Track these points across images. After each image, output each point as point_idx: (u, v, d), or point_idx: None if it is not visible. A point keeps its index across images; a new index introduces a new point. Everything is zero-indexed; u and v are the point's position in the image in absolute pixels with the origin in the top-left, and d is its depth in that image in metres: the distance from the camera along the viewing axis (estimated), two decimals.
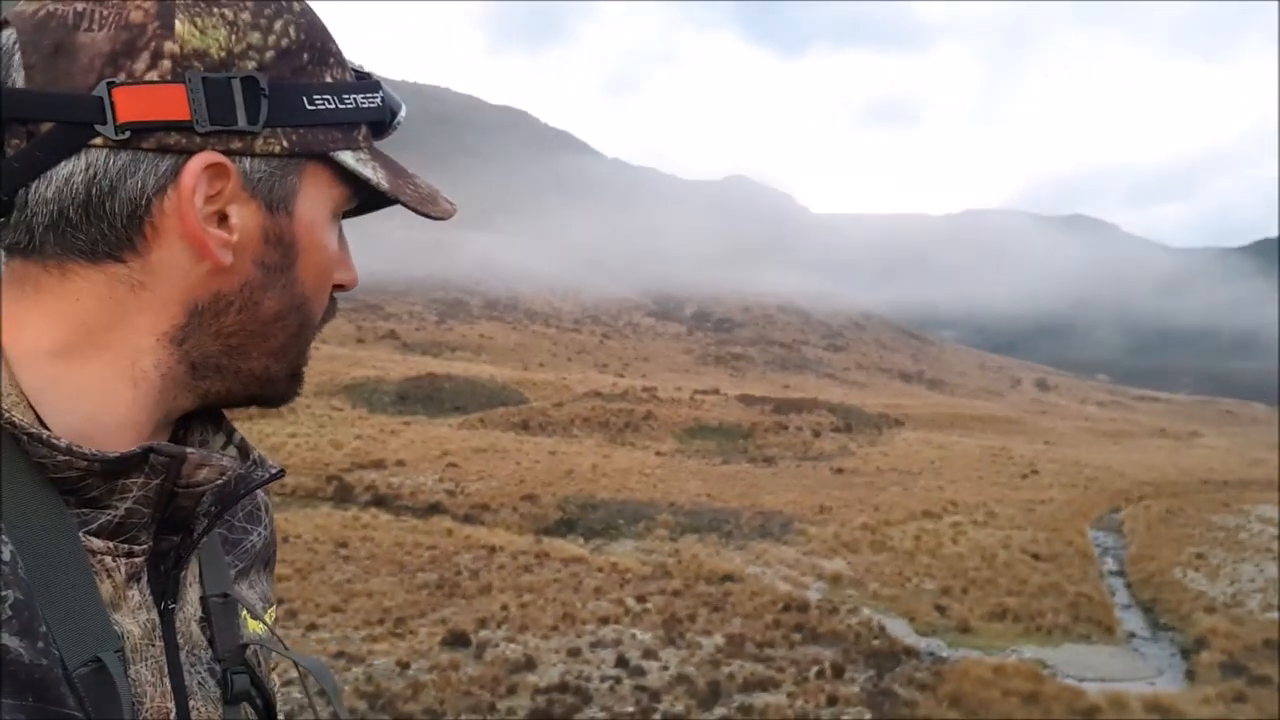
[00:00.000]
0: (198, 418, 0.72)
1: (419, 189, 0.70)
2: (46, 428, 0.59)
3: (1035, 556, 23.85)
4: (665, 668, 13.90)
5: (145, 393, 0.63)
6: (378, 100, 0.68)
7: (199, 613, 0.69)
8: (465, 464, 31.47)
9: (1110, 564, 24.78)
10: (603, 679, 13.35)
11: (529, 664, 13.81)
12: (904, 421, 56.99)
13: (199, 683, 0.66)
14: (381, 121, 0.68)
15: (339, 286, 0.70)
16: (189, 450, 0.62)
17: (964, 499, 31.90)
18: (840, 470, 37.67)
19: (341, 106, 0.65)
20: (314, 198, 0.66)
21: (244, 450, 0.72)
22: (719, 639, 15.29)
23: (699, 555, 21.24)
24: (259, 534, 0.80)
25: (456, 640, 14.55)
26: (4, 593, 0.54)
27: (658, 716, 12.19)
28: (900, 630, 17.01)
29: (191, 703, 0.65)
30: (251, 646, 0.72)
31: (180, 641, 0.66)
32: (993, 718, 12.79)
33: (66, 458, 0.58)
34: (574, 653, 14.35)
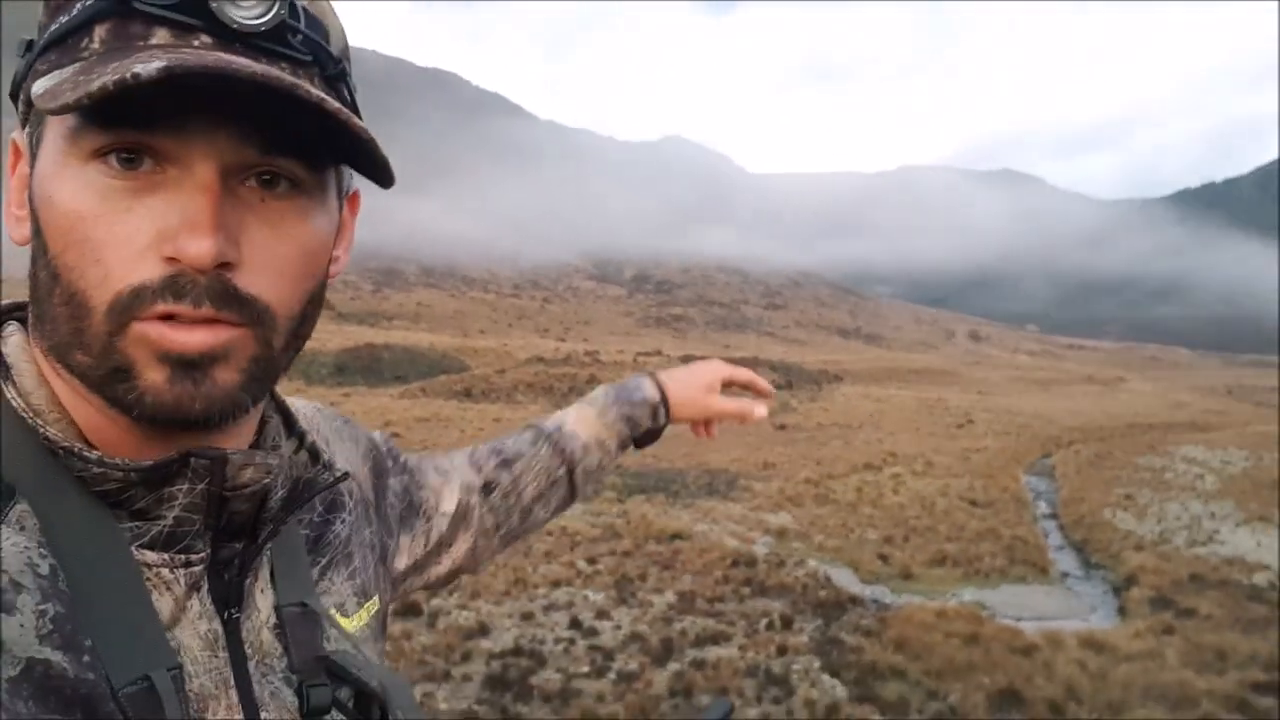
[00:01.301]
0: (273, 423, 0.69)
1: (91, 79, 0.51)
2: (88, 442, 0.57)
3: (972, 503, 24.52)
4: (618, 627, 14.01)
5: (79, 399, 0.58)
6: None
7: (272, 620, 0.65)
8: (408, 434, 31.15)
9: (1043, 507, 25.59)
10: (556, 641, 13.42)
11: (482, 630, 13.82)
12: (843, 376, 57.91)
13: (271, 693, 0.63)
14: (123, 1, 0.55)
15: (171, 260, 0.54)
16: (230, 451, 0.58)
17: (903, 450, 32.59)
18: (782, 426, 38.16)
19: (66, 20, 0.56)
20: (49, 143, 0.56)
21: (315, 454, 0.69)
22: (670, 596, 15.45)
23: (647, 515, 21.38)
24: (342, 521, 0.76)
25: (408, 610, 14.47)
26: (44, 606, 0.52)
27: (612, 675, 12.31)
28: (846, 580, 17.37)
29: (264, 714, 0.62)
30: (334, 650, 0.66)
31: (248, 651, 0.62)
32: (936, 659, 13.17)
33: (102, 470, 0.56)
34: (527, 617, 14.38)
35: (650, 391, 1.17)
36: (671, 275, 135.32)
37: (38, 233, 0.56)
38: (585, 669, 12.51)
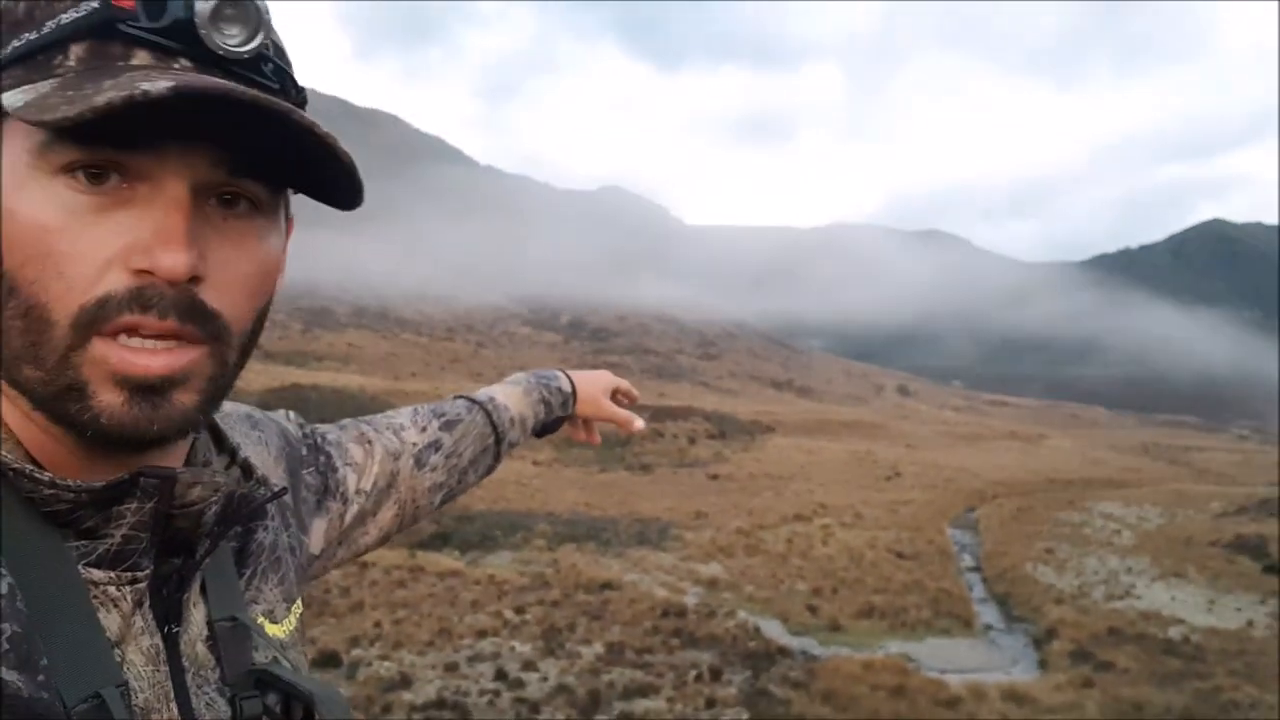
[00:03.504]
0: (202, 439, 0.69)
1: (90, 96, 0.51)
2: (37, 463, 0.58)
3: (899, 555, 24.83)
4: (545, 679, 13.77)
5: (23, 418, 0.58)
6: (93, 4, 0.55)
7: (205, 633, 0.66)
8: None
9: (968, 560, 26.03)
10: (481, 693, 13.12)
11: (404, 682, 13.44)
12: (775, 428, 58.49)
13: (207, 704, 0.64)
14: (107, 21, 0.54)
15: (144, 272, 0.54)
16: (179, 470, 0.59)
17: (833, 502, 32.93)
18: (715, 476, 38.29)
19: (35, 37, 0.55)
20: (10, 154, 0.55)
21: (247, 470, 0.70)
22: (598, 647, 15.26)
23: (577, 564, 21.17)
24: (265, 529, 0.76)
25: (327, 660, 14.02)
26: (1, 626, 0.52)
27: None
28: (775, 631, 17.38)
29: None
30: (264, 662, 0.68)
31: (185, 664, 0.63)
32: (863, 712, 13.20)
33: (53, 491, 0.56)
34: (451, 668, 14.05)
35: (565, 383, 1.29)
36: (608, 323, 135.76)
37: None
38: None
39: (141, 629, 0.60)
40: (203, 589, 0.67)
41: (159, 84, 0.49)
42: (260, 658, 0.68)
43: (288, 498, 0.83)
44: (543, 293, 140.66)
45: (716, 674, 14.26)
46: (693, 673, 14.22)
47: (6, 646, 0.52)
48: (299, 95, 0.63)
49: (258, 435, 0.82)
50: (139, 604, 0.60)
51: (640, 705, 12.84)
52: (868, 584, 21.42)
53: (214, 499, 0.61)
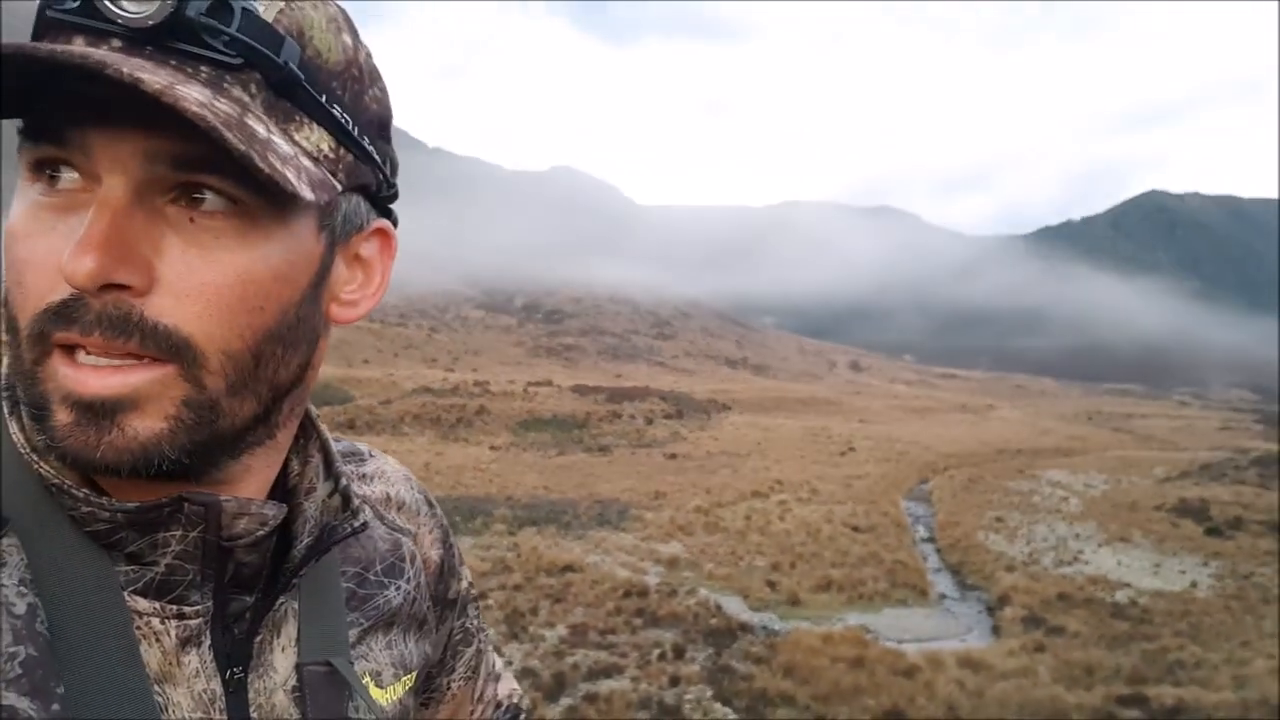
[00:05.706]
0: (313, 463, 0.64)
1: None
2: (90, 479, 0.53)
3: (855, 529, 25.20)
4: (509, 663, 13.77)
5: None
6: None
7: (291, 681, 0.59)
8: None
9: (922, 531, 26.50)
10: None
11: None
12: (731, 406, 58.92)
13: None
14: (41, 10, 0.50)
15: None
16: (223, 498, 0.54)
17: (789, 478, 33.29)
18: (673, 455, 38.46)
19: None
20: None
21: (346, 498, 0.64)
22: (562, 630, 15.31)
23: (538, 548, 21.17)
24: (398, 589, 0.70)
25: None
26: (14, 649, 0.48)
27: None
28: (735, 607, 17.56)
29: None
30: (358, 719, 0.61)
31: (254, 714, 0.57)
32: (823, 684, 13.43)
33: (90, 509, 0.52)
34: None
35: None
36: (562, 305, 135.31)
37: None
38: None
39: (197, 671, 0.55)
40: (299, 633, 0.61)
41: None
42: (356, 715, 0.61)
43: (432, 582, 0.76)
44: (496, 276, 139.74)
45: (680, 652, 14.40)
46: (656, 652, 14.34)
47: (19, 671, 0.48)
48: (279, 74, 0.51)
49: (433, 519, 0.80)
50: (191, 642, 0.55)
51: (605, 686, 12.92)
52: (825, 558, 21.73)
53: (261, 532, 0.56)
